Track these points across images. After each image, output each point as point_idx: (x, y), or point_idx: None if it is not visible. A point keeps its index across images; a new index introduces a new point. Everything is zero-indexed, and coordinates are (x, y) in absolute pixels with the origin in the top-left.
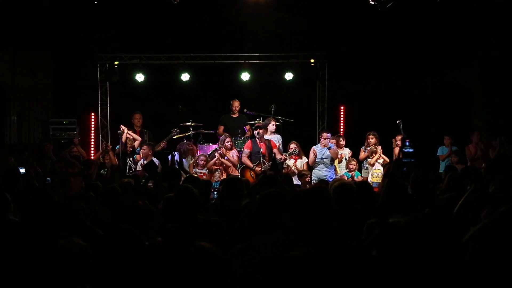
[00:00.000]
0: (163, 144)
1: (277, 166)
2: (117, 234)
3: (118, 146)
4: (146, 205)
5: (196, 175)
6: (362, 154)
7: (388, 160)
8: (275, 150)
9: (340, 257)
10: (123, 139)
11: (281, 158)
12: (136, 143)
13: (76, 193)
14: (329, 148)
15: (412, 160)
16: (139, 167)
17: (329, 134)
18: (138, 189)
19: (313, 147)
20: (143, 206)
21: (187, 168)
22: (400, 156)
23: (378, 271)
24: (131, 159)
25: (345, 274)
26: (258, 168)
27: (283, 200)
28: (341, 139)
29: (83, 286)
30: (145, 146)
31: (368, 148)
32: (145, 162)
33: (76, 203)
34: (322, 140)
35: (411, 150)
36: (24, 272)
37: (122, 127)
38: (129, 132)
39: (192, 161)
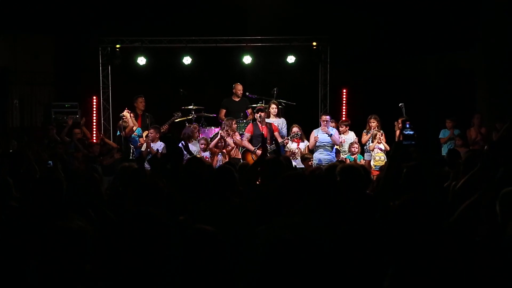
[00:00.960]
0: (164, 127)
1: (280, 150)
2: (142, 217)
3: (118, 133)
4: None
5: (198, 157)
6: (364, 137)
7: (388, 148)
8: (276, 134)
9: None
10: (130, 124)
11: (283, 142)
12: (134, 128)
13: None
14: (330, 136)
15: (413, 142)
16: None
17: (328, 117)
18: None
19: (314, 130)
20: (164, 187)
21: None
22: (401, 139)
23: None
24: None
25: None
26: (259, 151)
27: (303, 183)
28: (343, 125)
29: (82, 267)
30: (152, 130)
31: (371, 131)
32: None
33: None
34: (322, 124)
35: (411, 132)
36: (26, 258)
37: (125, 113)
38: (130, 118)
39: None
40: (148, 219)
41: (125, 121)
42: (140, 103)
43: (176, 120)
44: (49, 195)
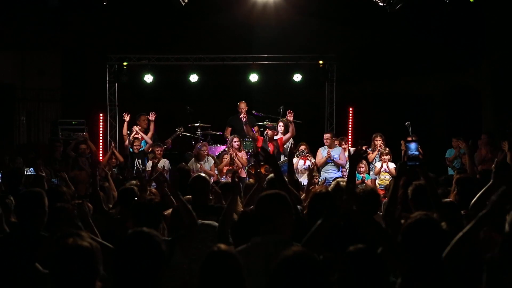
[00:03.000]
0: (167, 142)
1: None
2: (138, 238)
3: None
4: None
5: (204, 175)
6: (370, 155)
7: (394, 172)
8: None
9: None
10: (131, 137)
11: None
12: (146, 147)
13: (82, 194)
14: (333, 159)
15: (417, 163)
16: (148, 168)
17: (327, 135)
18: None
19: (320, 148)
20: (159, 205)
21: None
22: (405, 160)
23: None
24: (139, 160)
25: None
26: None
27: (282, 202)
28: (343, 142)
29: (93, 283)
30: (158, 148)
31: (376, 150)
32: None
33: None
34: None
35: (416, 153)
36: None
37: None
38: (140, 132)
39: (212, 163)
40: (144, 240)
41: (137, 138)
42: (143, 121)
43: (181, 135)
44: (30, 209)
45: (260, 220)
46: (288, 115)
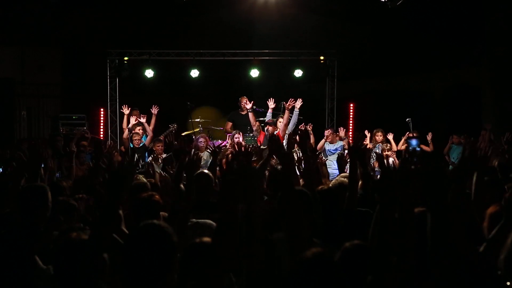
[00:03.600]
0: (160, 139)
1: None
2: (150, 230)
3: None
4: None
5: (207, 171)
6: (370, 146)
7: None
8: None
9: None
10: (131, 124)
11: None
12: (147, 141)
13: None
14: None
15: (415, 159)
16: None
17: (327, 131)
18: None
19: (321, 141)
20: (159, 201)
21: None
22: (406, 156)
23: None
24: (138, 155)
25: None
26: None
27: (303, 199)
28: (336, 134)
29: (97, 278)
30: (159, 143)
31: (378, 145)
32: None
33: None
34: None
35: (417, 149)
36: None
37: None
38: (144, 124)
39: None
40: (156, 232)
41: (137, 133)
42: (135, 117)
43: (174, 132)
44: (34, 203)
45: (282, 217)
46: (287, 103)
